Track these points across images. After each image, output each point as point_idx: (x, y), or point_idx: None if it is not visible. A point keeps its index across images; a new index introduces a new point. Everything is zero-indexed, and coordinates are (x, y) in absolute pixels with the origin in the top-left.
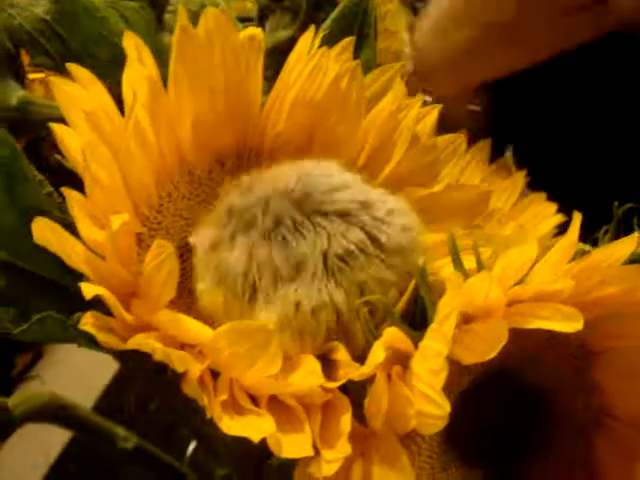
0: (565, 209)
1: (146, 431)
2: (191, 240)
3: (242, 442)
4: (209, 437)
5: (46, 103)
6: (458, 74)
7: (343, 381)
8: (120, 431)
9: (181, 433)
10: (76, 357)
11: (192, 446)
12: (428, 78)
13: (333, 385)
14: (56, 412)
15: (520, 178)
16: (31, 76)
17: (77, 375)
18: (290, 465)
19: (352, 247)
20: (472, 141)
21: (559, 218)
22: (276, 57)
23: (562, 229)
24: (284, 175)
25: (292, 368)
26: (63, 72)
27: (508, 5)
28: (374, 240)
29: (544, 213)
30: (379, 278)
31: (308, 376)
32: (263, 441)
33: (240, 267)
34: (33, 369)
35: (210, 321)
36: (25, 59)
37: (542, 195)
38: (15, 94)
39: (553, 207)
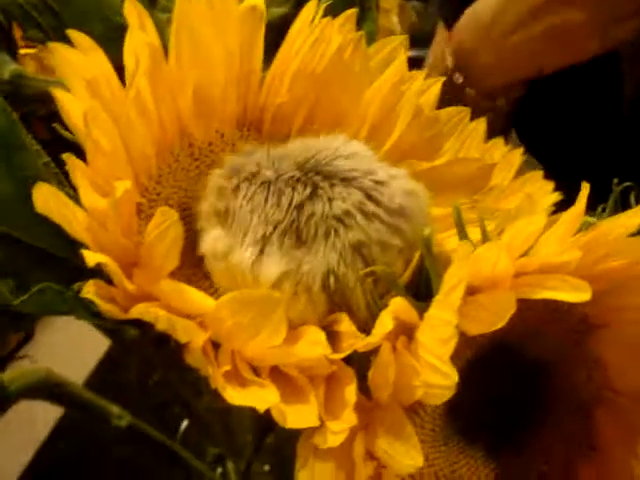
0: (565, 188)
1: (138, 410)
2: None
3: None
4: (202, 415)
5: (39, 77)
6: (511, 71)
7: (349, 352)
8: (114, 409)
9: (173, 412)
10: (66, 337)
11: (184, 424)
12: (476, 75)
13: (338, 356)
14: (51, 389)
15: (517, 155)
16: (23, 51)
17: (67, 355)
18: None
19: (350, 208)
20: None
21: (556, 196)
22: (270, 34)
23: (558, 208)
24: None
25: (296, 338)
26: None
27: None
28: (374, 201)
29: (541, 191)
30: (381, 241)
31: (313, 346)
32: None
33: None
34: (23, 349)
35: (211, 291)
36: (17, 33)
37: (539, 173)
38: (7, 68)
39: (550, 185)
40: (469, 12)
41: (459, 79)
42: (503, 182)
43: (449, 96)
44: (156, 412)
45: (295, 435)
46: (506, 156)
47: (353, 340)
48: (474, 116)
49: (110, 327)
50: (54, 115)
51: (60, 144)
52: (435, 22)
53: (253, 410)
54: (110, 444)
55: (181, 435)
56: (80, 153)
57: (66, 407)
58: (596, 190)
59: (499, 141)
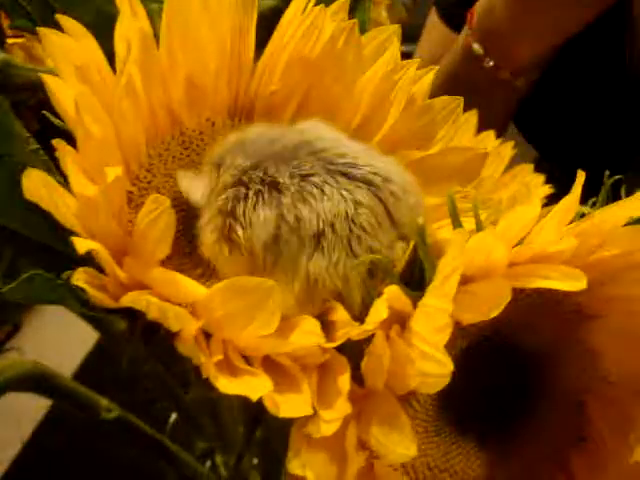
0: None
1: (126, 403)
2: None
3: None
4: (191, 409)
5: (27, 66)
6: (548, 37)
7: (342, 340)
8: (102, 401)
9: (162, 405)
10: (54, 329)
11: (173, 418)
12: (509, 52)
13: (332, 345)
14: (39, 381)
15: (507, 148)
16: (11, 40)
17: (55, 347)
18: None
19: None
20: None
21: (547, 189)
22: (261, 25)
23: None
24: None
25: (290, 328)
26: None
27: None
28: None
29: (532, 184)
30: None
31: (308, 335)
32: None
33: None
34: (10, 341)
35: (202, 280)
36: (5, 22)
37: (529, 166)
38: None
39: (541, 178)
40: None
41: (489, 63)
42: (494, 174)
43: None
44: (144, 405)
45: (284, 428)
46: (497, 149)
47: (347, 329)
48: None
49: (98, 317)
50: (43, 105)
51: (50, 134)
52: (424, 17)
53: (244, 401)
54: (98, 438)
55: (170, 429)
56: (70, 142)
57: (54, 399)
58: (590, 182)
59: (490, 134)
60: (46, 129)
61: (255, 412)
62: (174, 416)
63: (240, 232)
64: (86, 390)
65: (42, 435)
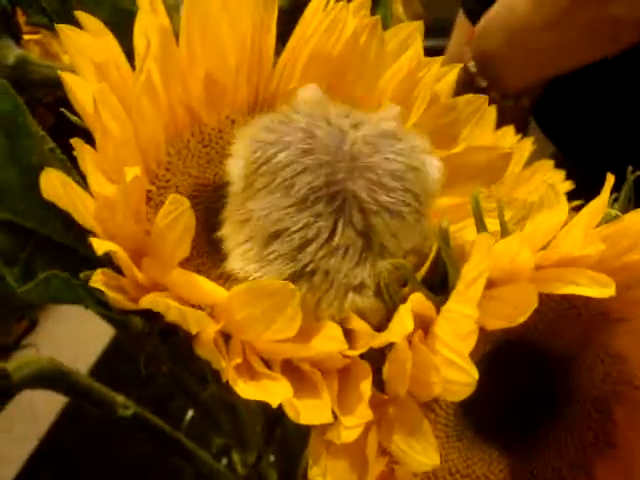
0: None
1: (142, 400)
2: None
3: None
4: (208, 406)
5: (43, 63)
6: (541, 71)
7: (364, 350)
8: (119, 399)
9: (178, 402)
10: (70, 326)
11: (189, 414)
12: (502, 79)
13: (354, 353)
14: (55, 378)
15: (527, 145)
16: (27, 37)
17: (71, 344)
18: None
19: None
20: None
21: (567, 186)
22: (281, 20)
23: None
24: None
25: (311, 333)
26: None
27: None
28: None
29: (551, 180)
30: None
31: (329, 341)
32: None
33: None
34: (27, 338)
35: (220, 282)
36: (21, 19)
37: (550, 162)
38: (12, 53)
39: (561, 174)
40: (490, 15)
41: (482, 83)
42: (514, 170)
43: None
44: (161, 402)
45: (301, 426)
46: (517, 145)
47: (368, 339)
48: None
49: (116, 317)
50: (60, 101)
51: (66, 131)
52: (440, 12)
53: (264, 403)
54: (114, 434)
55: (186, 426)
56: (87, 140)
57: (70, 397)
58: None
59: (509, 130)
60: (62, 125)
61: (276, 411)
62: (190, 413)
63: None
64: (102, 387)
65: (58, 431)
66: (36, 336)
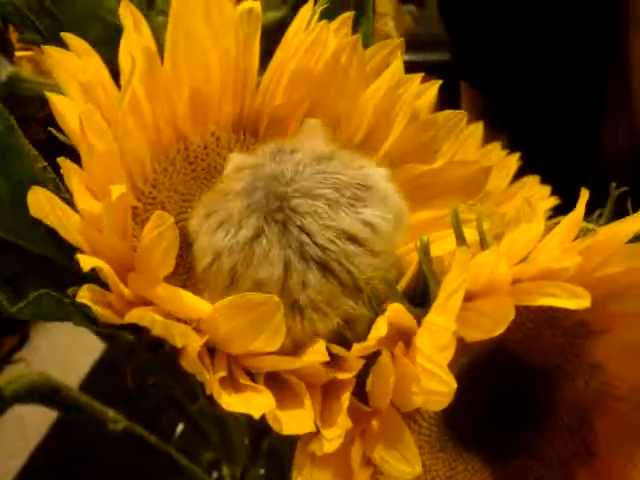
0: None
1: (132, 414)
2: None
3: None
4: (197, 420)
5: (36, 80)
6: None
7: (352, 374)
8: (110, 413)
9: (168, 416)
10: (60, 341)
11: (180, 429)
12: None
13: (344, 376)
14: (47, 392)
15: (513, 160)
16: (19, 54)
17: (61, 359)
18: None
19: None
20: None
21: (553, 201)
22: (267, 38)
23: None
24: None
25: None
26: None
27: None
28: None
29: (538, 195)
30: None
31: (313, 354)
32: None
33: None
34: (18, 352)
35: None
36: (13, 35)
37: (536, 177)
38: (4, 70)
39: (547, 190)
40: None
41: None
42: (499, 187)
43: None
44: (151, 416)
45: (289, 438)
46: (502, 161)
47: (353, 362)
48: None
49: (106, 332)
50: (52, 117)
51: (57, 147)
52: (431, 28)
53: (250, 416)
54: (104, 448)
55: (176, 439)
56: (77, 156)
57: (61, 411)
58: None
59: (496, 145)
60: (54, 142)
61: (261, 425)
62: (181, 427)
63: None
64: (93, 401)
65: (49, 445)
66: (25, 351)
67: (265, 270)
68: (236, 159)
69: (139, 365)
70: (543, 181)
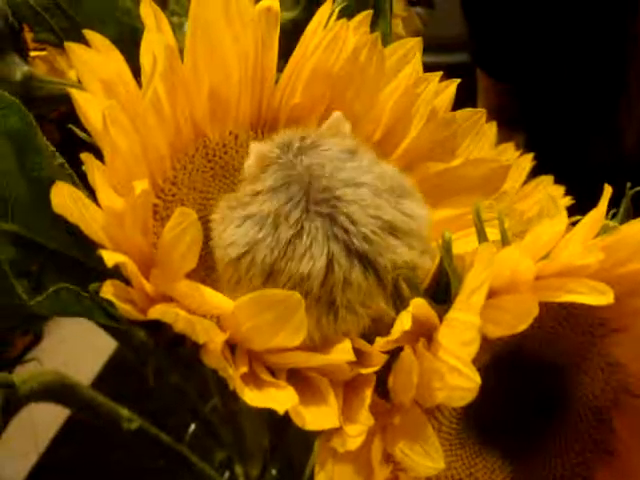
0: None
1: (144, 413)
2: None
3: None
4: (210, 419)
5: (50, 79)
6: None
7: (375, 369)
8: (124, 412)
9: (179, 416)
10: (70, 340)
11: (192, 428)
12: None
13: (366, 371)
14: (60, 391)
15: (527, 160)
16: (33, 53)
17: (71, 358)
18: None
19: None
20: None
21: (567, 201)
22: (282, 37)
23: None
24: None
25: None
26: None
27: None
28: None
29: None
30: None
31: (337, 352)
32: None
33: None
34: (30, 352)
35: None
36: (28, 35)
37: (550, 177)
38: (19, 69)
39: (561, 189)
40: None
41: None
42: (513, 186)
43: None
44: (162, 415)
45: (304, 438)
46: (516, 161)
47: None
48: None
49: (122, 329)
50: (65, 117)
51: (71, 146)
52: (440, 29)
53: (269, 413)
54: (114, 449)
55: (188, 439)
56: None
57: (75, 410)
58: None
59: (510, 145)
60: (68, 141)
61: (280, 423)
62: (193, 426)
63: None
64: (107, 401)
65: (58, 446)
66: (36, 351)
67: (307, 264)
68: (256, 149)
69: (157, 364)
70: (558, 181)
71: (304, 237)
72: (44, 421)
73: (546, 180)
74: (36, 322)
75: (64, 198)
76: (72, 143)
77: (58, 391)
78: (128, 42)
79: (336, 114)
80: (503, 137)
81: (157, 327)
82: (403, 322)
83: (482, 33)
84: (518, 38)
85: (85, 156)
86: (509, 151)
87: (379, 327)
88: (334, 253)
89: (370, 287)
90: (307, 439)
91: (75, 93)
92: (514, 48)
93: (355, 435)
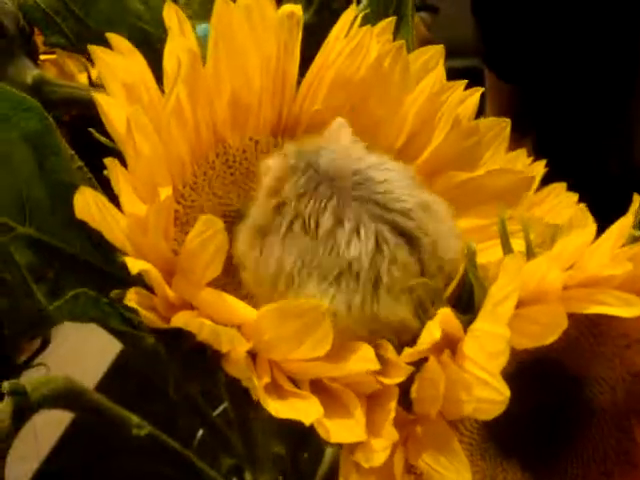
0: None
1: (151, 418)
2: None
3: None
4: (218, 426)
5: (60, 83)
6: None
7: (401, 380)
8: (133, 418)
9: (185, 421)
10: (74, 345)
11: (200, 434)
12: None
13: (390, 382)
14: (71, 397)
15: (539, 167)
16: (43, 57)
17: (76, 363)
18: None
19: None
20: None
21: (580, 208)
22: (303, 39)
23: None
24: None
25: (343, 352)
26: (78, 52)
27: None
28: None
29: (565, 203)
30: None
31: (361, 362)
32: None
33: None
34: (37, 357)
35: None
36: (39, 39)
37: (562, 184)
38: (30, 73)
39: (574, 197)
40: None
41: None
42: (527, 194)
43: None
44: (170, 420)
45: (316, 449)
46: (528, 168)
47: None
48: None
49: (134, 334)
50: (76, 120)
51: (82, 149)
52: (445, 34)
53: (283, 422)
54: (116, 454)
55: (196, 445)
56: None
57: (85, 415)
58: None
59: (522, 152)
60: (79, 144)
61: (298, 433)
62: (201, 432)
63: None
64: (116, 406)
65: (59, 451)
66: (42, 356)
67: (355, 248)
68: (271, 164)
69: (177, 372)
70: (569, 186)
71: (345, 224)
72: (46, 425)
73: (559, 187)
74: (46, 327)
75: (87, 204)
76: (84, 146)
77: (69, 397)
78: (139, 45)
79: (337, 120)
80: (511, 141)
81: (176, 335)
82: (432, 332)
83: (493, 34)
84: (528, 39)
85: (109, 161)
86: (522, 158)
87: (401, 339)
88: (381, 232)
89: (414, 265)
90: (317, 449)
91: (99, 97)
92: (524, 49)
93: (380, 450)
